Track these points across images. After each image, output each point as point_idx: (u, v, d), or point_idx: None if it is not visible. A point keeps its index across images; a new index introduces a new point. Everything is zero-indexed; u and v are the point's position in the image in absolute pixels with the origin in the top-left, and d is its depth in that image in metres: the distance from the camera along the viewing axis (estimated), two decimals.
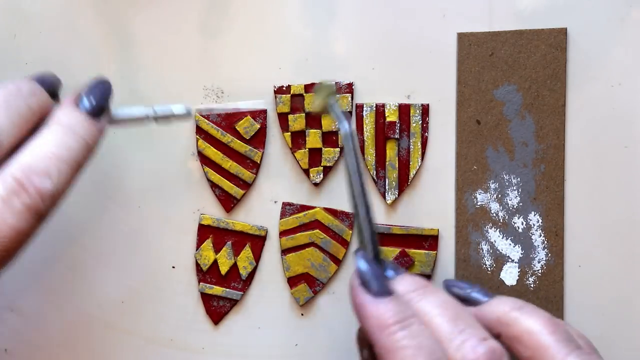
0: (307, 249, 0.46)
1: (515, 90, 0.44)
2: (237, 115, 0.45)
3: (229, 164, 0.45)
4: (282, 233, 0.46)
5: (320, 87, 0.40)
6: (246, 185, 0.45)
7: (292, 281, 0.46)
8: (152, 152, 0.46)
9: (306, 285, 0.46)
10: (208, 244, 0.46)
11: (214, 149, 0.45)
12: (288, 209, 0.46)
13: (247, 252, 0.46)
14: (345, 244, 0.45)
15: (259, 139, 0.46)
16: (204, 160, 0.45)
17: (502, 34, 0.44)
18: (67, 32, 0.46)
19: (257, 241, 0.46)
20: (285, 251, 0.46)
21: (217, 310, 0.46)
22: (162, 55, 0.46)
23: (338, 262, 0.46)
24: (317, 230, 0.46)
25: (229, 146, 0.45)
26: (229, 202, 0.46)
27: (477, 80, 0.45)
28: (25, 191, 0.31)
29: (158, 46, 0.45)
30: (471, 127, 0.45)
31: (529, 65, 0.44)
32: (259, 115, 0.45)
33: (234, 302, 0.46)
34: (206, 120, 0.45)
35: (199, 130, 0.45)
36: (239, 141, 0.45)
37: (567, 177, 0.45)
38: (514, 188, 0.45)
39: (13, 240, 0.31)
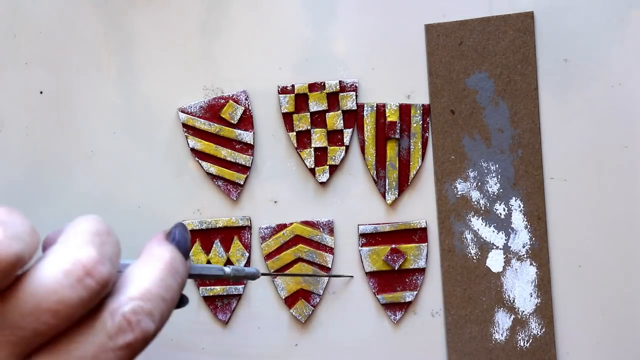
0: (295, 265, 0.45)
1: (487, 77, 0.44)
2: (220, 103, 0.45)
3: (223, 153, 0.45)
4: (267, 256, 0.45)
5: None
6: (245, 169, 0.45)
7: (289, 300, 0.45)
8: (152, 152, 0.46)
9: (304, 302, 0.45)
10: (197, 247, 0.45)
11: (205, 142, 0.45)
12: (265, 231, 0.45)
13: (236, 244, 0.45)
14: (330, 250, 0.45)
15: (246, 120, 0.45)
16: (199, 155, 0.45)
17: (469, 22, 0.44)
18: (67, 32, 0.46)
19: (243, 232, 0.46)
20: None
21: (223, 309, 0.46)
22: (162, 55, 0.45)
23: (328, 270, 0.45)
24: (300, 245, 0.45)
25: (219, 135, 0.45)
26: (234, 189, 0.45)
27: (448, 70, 0.45)
28: (132, 330, 0.28)
29: (158, 46, 0.45)
30: (446, 117, 0.45)
31: (499, 51, 0.44)
32: (240, 96, 0.45)
33: (238, 297, 0.46)
34: (191, 116, 0.45)
35: (187, 128, 0.45)
36: (227, 128, 0.45)
37: (545, 159, 0.45)
38: (493, 175, 0.45)
39: None
